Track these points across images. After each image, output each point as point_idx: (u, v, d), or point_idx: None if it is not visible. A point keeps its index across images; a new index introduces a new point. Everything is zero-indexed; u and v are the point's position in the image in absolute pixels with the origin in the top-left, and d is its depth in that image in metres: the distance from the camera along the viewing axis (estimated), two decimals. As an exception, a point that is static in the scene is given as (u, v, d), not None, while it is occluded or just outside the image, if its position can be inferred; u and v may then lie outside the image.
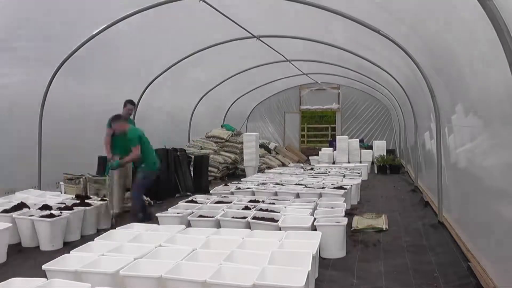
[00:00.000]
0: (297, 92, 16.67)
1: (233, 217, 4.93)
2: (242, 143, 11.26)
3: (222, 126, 12.86)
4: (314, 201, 5.69)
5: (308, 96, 16.66)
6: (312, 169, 10.45)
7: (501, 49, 2.62)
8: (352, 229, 5.51)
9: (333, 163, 12.71)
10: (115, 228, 4.66)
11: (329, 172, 9.46)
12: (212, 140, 11.75)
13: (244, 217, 4.84)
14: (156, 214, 5.33)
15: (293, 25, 7.93)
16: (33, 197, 5.99)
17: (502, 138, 3.16)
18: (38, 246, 4.86)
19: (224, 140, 11.67)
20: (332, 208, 5.31)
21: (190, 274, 3.12)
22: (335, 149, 13.27)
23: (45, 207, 5.27)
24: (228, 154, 11.08)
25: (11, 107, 6.58)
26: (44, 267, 3.39)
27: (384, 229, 5.50)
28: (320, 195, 6.25)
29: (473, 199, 4.13)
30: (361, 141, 13.97)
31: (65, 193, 6.48)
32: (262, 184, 7.35)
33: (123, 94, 9.05)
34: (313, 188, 6.80)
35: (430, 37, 4.91)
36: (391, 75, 8.84)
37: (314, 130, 19.86)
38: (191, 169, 8.92)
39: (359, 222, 5.82)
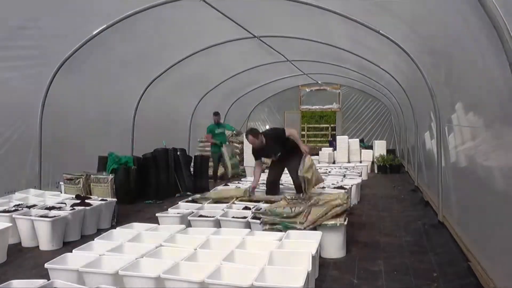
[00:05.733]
0: (297, 92, 16.67)
1: (233, 217, 4.94)
2: (242, 143, 11.25)
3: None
4: (314, 201, 5.67)
5: (308, 96, 16.66)
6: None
7: (501, 49, 2.62)
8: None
9: (333, 163, 12.70)
10: (115, 228, 4.66)
11: (329, 172, 9.45)
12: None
13: (244, 217, 4.84)
14: (156, 214, 5.33)
15: (294, 25, 7.93)
16: (33, 197, 5.99)
17: (503, 138, 3.15)
18: (38, 246, 4.86)
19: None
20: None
21: (189, 274, 3.12)
22: (335, 149, 13.27)
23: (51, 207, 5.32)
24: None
25: (11, 106, 6.58)
26: (46, 265, 3.41)
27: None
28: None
29: (473, 198, 4.13)
30: (361, 141, 13.97)
31: (65, 193, 6.48)
32: (262, 184, 7.33)
33: (123, 94, 9.10)
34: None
35: (430, 36, 4.92)
36: (391, 75, 8.84)
37: (314, 130, 19.85)
38: (191, 169, 8.92)
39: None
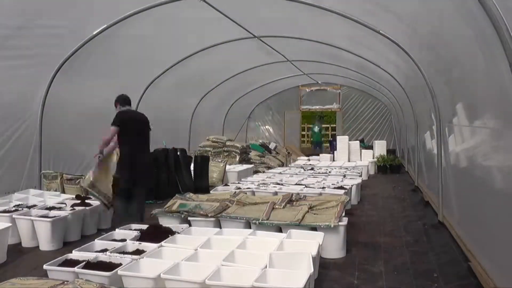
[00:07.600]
0: (297, 92, 16.67)
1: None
2: (242, 145, 11.29)
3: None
4: (314, 201, 5.67)
5: (308, 96, 16.66)
6: (312, 169, 10.45)
7: (502, 48, 2.62)
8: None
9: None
10: (115, 229, 4.65)
11: (329, 172, 9.45)
12: (212, 141, 11.74)
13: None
14: (157, 214, 5.33)
15: (294, 25, 7.92)
16: (33, 197, 5.99)
17: (503, 138, 3.15)
18: (38, 246, 4.86)
19: (224, 141, 11.67)
20: (332, 208, 5.29)
21: (189, 274, 3.12)
22: (335, 149, 13.28)
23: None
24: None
25: (11, 106, 6.57)
26: (45, 266, 3.41)
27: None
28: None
29: (473, 199, 4.12)
30: (361, 141, 13.97)
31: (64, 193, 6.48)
32: (262, 184, 7.34)
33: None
34: (313, 188, 6.79)
35: (430, 36, 4.91)
36: (391, 75, 8.84)
37: (315, 130, 19.83)
38: (191, 169, 8.92)
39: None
